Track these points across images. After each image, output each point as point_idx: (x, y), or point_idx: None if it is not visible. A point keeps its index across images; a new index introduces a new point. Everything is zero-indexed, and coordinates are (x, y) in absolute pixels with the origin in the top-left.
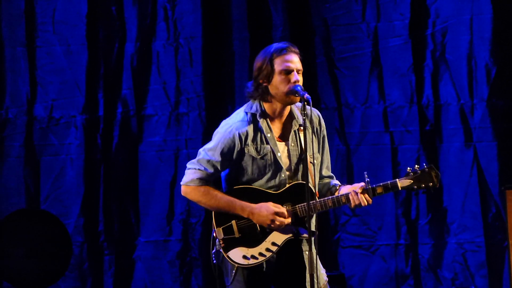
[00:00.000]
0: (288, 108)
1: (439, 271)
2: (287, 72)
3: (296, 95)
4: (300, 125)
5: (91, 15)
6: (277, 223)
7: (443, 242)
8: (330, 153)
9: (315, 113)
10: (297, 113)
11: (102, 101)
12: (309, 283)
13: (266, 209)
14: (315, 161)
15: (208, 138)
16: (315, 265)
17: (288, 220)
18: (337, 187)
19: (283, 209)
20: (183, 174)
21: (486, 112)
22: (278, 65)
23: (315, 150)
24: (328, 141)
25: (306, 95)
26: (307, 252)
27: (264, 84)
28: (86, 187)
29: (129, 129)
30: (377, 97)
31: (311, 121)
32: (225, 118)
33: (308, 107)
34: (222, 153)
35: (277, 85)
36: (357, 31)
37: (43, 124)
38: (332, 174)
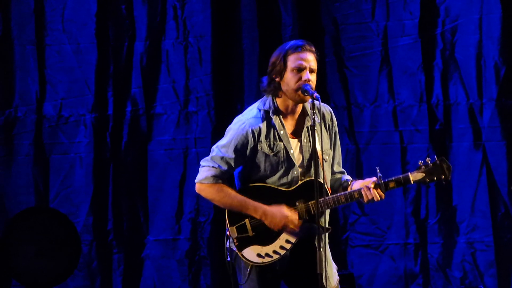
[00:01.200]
0: (301, 105)
1: (448, 271)
2: (299, 69)
3: (306, 94)
4: (313, 125)
5: (101, 13)
6: (288, 229)
7: (453, 241)
8: (341, 150)
9: (327, 109)
10: (310, 109)
11: (111, 99)
12: (320, 282)
13: (280, 213)
14: (326, 157)
15: (217, 137)
16: (324, 264)
17: (298, 226)
18: (349, 182)
19: (295, 216)
20: (192, 172)
21: (495, 112)
22: (291, 62)
23: (327, 146)
24: (338, 137)
25: (316, 94)
26: (321, 249)
27: (277, 80)
28: (95, 185)
29: (138, 128)
30: (386, 96)
31: (323, 117)
32: (234, 116)
33: (318, 103)
34: (236, 150)
35: (288, 81)
36: (366, 30)
37: (52, 123)
38: (343, 170)
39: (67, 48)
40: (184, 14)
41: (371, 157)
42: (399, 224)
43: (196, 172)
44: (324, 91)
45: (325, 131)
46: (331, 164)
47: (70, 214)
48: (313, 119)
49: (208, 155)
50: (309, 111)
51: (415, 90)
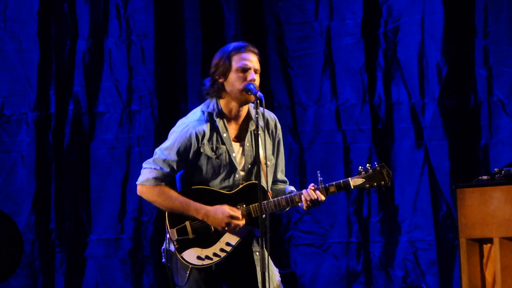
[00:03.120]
0: (245, 109)
1: (390, 269)
2: (244, 70)
3: (249, 93)
4: (260, 126)
5: (43, 12)
6: (232, 226)
7: (394, 240)
8: (284, 152)
9: (272, 116)
10: (254, 114)
11: (53, 98)
12: (261, 283)
13: (222, 212)
14: (268, 162)
15: (160, 136)
16: (266, 264)
17: (243, 223)
18: (291, 193)
19: (238, 213)
20: (135, 172)
21: (437, 111)
22: (235, 62)
23: (269, 152)
24: (281, 144)
25: (259, 94)
26: (257, 253)
27: (220, 81)
28: (38, 184)
29: (80, 127)
30: (329, 95)
31: (267, 124)
32: (177, 115)
33: (263, 109)
34: (178, 153)
35: (233, 82)
36: (310, 30)
37: None
38: (286, 179)
39: (9, 46)
40: (127, 12)
41: (314, 156)
42: (341, 223)
43: (139, 171)
44: (268, 90)
45: (268, 137)
46: (273, 171)
47: (12, 213)
48: (257, 118)
49: (151, 154)
50: (254, 115)
51: (358, 90)
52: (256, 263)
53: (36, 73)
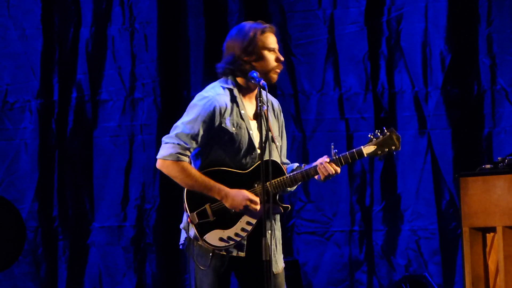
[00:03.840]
0: (256, 89)
1: (393, 258)
2: (274, 50)
3: (252, 81)
4: (263, 105)
5: None
6: (249, 209)
7: (397, 229)
8: (286, 138)
9: (275, 102)
10: (263, 95)
11: (57, 86)
12: (266, 269)
13: (242, 195)
14: (277, 142)
15: (163, 124)
16: (274, 248)
17: (259, 208)
18: (301, 167)
19: (256, 198)
20: (138, 159)
21: (440, 100)
22: (266, 41)
23: (277, 133)
24: (284, 128)
25: (262, 82)
26: (269, 232)
27: (245, 59)
28: (41, 172)
29: (83, 114)
30: (332, 84)
31: (272, 106)
32: (180, 103)
33: (266, 93)
34: (203, 126)
35: (264, 61)
36: (313, 18)
37: None
38: (288, 161)
39: (12, 33)
40: (130, 0)
41: (317, 144)
42: (344, 212)
43: (142, 158)
44: None
45: (274, 119)
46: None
47: (15, 201)
48: (260, 106)
49: (154, 142)
50: (262, 97)
51: (361, 78)
52: (270, 240)
53: (39, 60)
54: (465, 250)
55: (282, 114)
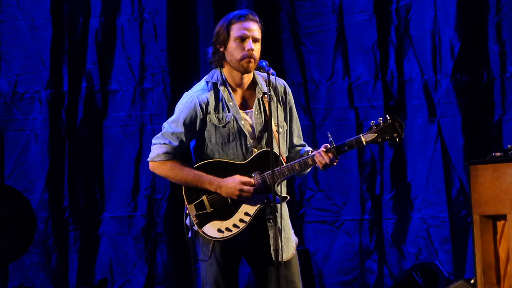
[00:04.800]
0: (249, 76)
1: (403, 246)
2: (242, 39)
3: (262, 70)
4: (264, 93)
5: None
6: (245, 193)
7: (407, 217)
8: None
9: (280, 82)
10: (260, 80)
11: (66, 76)
12: (276, 258)
13: (233, 181)
14: (280, 129)
15: (173, 113)
16: (280, 238)
17: (256, 188)
18: (309, 153)
19: (249, 179)
20: (148, 149)
21: (450, 88)
22: (234, 31)
23: (281, 119)
24: (294, 110)
25: (272, 71)
26: (271, 220)
27: (221, 50)
28: (51, 162)
29: (93, 104)
30: (342, 72)
31: (275, 90)
32: None
33: (272, 77)
34: (185, 124)
35: (232, 51)
36: (322, 6)
37: (7, 99)
38: (304, 143)
39: (21, 24)
40: None
41: (326, 133)
42: (354, 200)
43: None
44: (281, 67)
45: (278, 104)
46: (289, 137)
47: (26, 191)
48: (269, 95)
49: None
50: (260, 81)
51: (370, 67)
52: (269, 229)
53: (49, 50)
54: (476, 238)
55: (289, 96)
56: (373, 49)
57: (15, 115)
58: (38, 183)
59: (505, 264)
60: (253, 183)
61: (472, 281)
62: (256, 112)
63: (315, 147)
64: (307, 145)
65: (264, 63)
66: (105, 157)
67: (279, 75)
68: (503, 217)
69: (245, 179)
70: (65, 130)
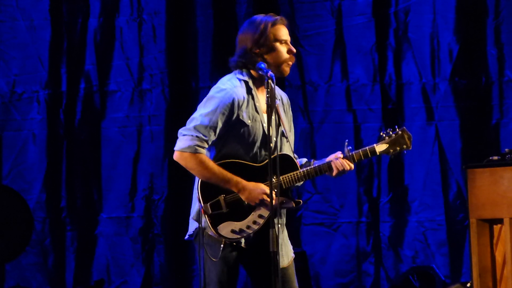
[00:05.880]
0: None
1: (400, 249)
2: (286, 42)
3: (260, 72)
4: (275, 99)
5: None
6: (264, 203)
7: (404, 220)
8: (294, 131)
9: (285, 96)
10: (271, 86)
11: (65, 76)
12: (274, 260)
13: (260, 189)
14: (289, 137)
15: (171, 115)
16: (278, 242)
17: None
18: (310, 162)
19: (273, 193)
20: (146, 150)
21: (448, 91)
22: (280, 33)
23: (288, 128)
24: (292, 123)
25: (270, 73)
26: (279, 225)
27: (256, 51)
28: (49, 162)
29: (92, 105)
30: (340, 75)
31: (281, 100)
32: (188, 94)
33: (277, 87)
34: (221, 118)
35: (277, 53)
36: (321, 9)
37: (5, 99)
38: (296, 156)
39: (20, 24)
40: None
41: (324, 136)
42: (352, 203)
43: (150, 149)
44: None
45: (283, 113)
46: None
47: (23, 191)
48: (268, 97)
49: (162, 133)
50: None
51: (368, 70)
52: (273, 239)
53: (47, 51)
54: (472, 241)
55: (290, 108)
56: (371, 52)
57: (13, 115)
58: (36, 183)
59: (501, 268)
60: (274, 197)
61: (468, 285)
62: (273, 117)
63: (313, 149)
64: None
65: (262, 65)
66: (103, 158)
67: (277, 78)
68: (500, 221)
69: (268, 191)
70: (63, 131)
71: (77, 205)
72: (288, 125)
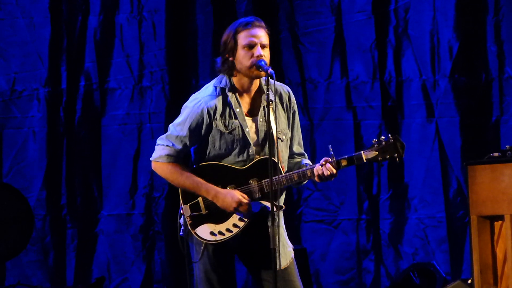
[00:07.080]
0: (256, 83)
1: (400, 246)
2: (250, 46)
3: (260, 69)
4: (270, 100)
5: None
6: (239, 211)
7: (404, 217)
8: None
9: (285, 89)
10: (264, 86)
11: (65, 74)
12: (274, 257)
13: (232, 197)
14: (283, 137)
15: (171, 112)
16: (277, 240)
17: (250, 210)
18: (302, 166)
19: (246, 200)
20: (146, 148)
21: (448, 88)
22: (242, 39)
23: (284, 126)
24: (297, 117)
25: (270, 70)
26: (273, 226)
27: (230, 59)
28: (49, 160)
29: (92, 103)
30: (340, 72)
31: (280, 97)
32: (188, 91)
33: (275, 82)
34: (190, 128)
35: (241, 59)
36: (321, 6)
37: (5, 97)
38: (303, 152)
39: (20, 22)
40: None
41: (324, 133)
42: (352, 200)
43: (150, 147)
44: (279, 67)
45: (282, 110)
46: (289, 144)
47: (23, 189)
48: (267, 95)
49: (162, 130)
50: (264, 88)
51: (368, 67)
52: (269, 230)
53: (47, 48)
54: (473, 238)
55: (293, 102)
56: (371, 49)
57: (13, 113)
58: (36, 181)
59: (502, 264)
60: (247, 205)
61: (469, 281)
62: (261, 120)
63: (313, 146)
64: (306, 156)
65: (262, 62)
66: (103, 155)
67: (277, 74)
68: (501, 217)
69: (244, 199)
70: (63, 128)
71: (77, 203)
72: (288, 122)
